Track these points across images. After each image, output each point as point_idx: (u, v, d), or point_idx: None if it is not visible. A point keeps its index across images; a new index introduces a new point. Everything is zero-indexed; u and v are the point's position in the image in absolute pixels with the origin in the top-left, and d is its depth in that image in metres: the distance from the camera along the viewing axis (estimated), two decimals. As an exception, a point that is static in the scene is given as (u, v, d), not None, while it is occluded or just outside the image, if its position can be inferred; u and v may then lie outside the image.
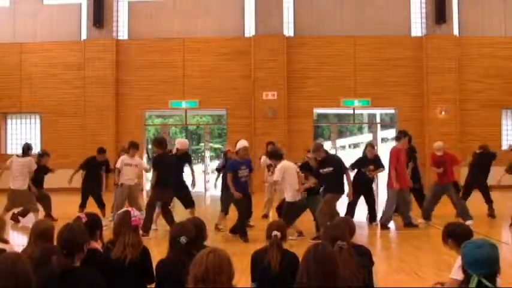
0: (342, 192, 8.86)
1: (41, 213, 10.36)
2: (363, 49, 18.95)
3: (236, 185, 8.67)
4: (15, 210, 10.60)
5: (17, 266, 2.69)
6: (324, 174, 8.66)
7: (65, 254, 3.28)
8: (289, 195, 8.52)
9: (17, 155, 10.72)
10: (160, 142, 9.64)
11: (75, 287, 3.23)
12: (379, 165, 10.36)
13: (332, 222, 5.17)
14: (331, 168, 8.56)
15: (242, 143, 9.00)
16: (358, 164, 10.52)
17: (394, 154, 9.72)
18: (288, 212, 8.44)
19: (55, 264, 3.24)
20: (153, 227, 9.45)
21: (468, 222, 9.39)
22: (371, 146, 10.96)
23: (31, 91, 19.15)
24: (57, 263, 3.25)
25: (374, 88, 18.79)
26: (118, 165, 9.82)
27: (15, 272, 2.67)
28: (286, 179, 8.48)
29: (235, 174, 8.72)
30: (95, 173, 10.96)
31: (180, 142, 10.55)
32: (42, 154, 11.56)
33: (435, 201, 10.43)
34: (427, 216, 10.33)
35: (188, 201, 9.81)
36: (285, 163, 8.66)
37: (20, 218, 10.61)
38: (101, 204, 10.79)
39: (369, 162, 10.32)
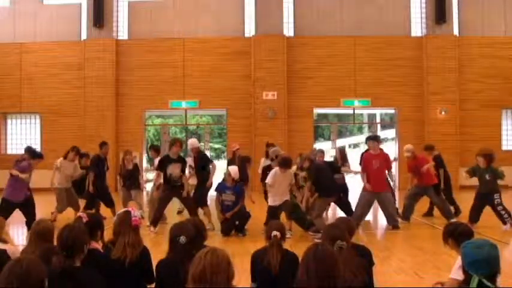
0: (332, 195, 9.12)
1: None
2: (363, 49, 18.94)
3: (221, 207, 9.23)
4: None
5: (30, 270, 2.68)
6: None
7: (64, 255, 3.28)
8: (271, 200, 8.90)
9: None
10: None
11: (76, 287, 3.22)
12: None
13: (331, 222, 5.18)
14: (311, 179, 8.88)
15: (229, 168, 9.44)
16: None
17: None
18: (271, 214, 8.83)
19: (55, 265, 3.24)
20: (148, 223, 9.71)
21: (452, 221, 9.58)
22: (322, 152, 11.09)
23: (31, 91, 19.15)
24: (57, 263, 3.25)
25: (374, 88, 18.79)
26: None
27: (28, 276, 2.66)
28: (275, 185, 8.78)
29: (219, 196, 9.19)
30: (103, 172, 10.87)
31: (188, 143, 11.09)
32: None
33: (413, 201, 10.37)
34: (405, 216, 10.25)
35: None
36: (278, 170, 8.83)
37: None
38: (111, 203, 10.68)
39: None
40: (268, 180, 8.78)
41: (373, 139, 9.83)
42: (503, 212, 9.42)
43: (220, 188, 9.21)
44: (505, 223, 9.41)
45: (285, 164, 8.69)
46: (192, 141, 10.68)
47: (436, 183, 10.34)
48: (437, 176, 10.58)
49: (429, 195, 10.40)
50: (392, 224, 9.51)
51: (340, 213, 10.15)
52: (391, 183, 10.22)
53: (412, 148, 10.51)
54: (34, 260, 2.85)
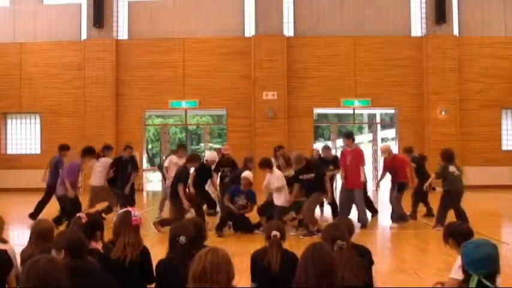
0: (325, 191, 9.35)
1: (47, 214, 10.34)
2: (363, 49, 18.95)
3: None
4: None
5: (47, 270, 2.69)
6: (306, 180, 9.04)
7: (71, 256, 3.28)
8: (284, 200, 9.08)
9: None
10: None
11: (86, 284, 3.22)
12: (337, 166, 10.61)
13: (331, 222, 5.20)
14: (312, 175, 8.97)
15: (244, 174, 9.43)
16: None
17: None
18: (282, 215, 9.04)
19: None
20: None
21: (393, 225, 9.65)
22: (327, 148, 11.31)
23: (31, 91, 19.16)
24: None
25: (374, 88, 18.79)
26: (166, 163, 10.75)
27: (45, 276, 2.67)
28: (283, 186, 9.12)
29: (231, 198, 9.30)
30: (124, 174, 10.72)
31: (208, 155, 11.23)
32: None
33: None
34: (403, 218, 10.16)
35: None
36: (279, 172, 9.24)
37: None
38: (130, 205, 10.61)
39: (328, 163, 10.69)
40: (281, 183, 9.04)
41: (345, 136, 10.12)
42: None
43: (234, 191, 9.31)
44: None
45: (266, 164, 9.17)
46: (213, 155, 10.86)
47: (406, 182, 10.25)
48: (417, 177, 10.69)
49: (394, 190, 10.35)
50: (361, 222, 9.58)
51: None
52: (364, 180, 10.25)
53: (388, 149, 10.56)
54: (51, 259, 2.86)
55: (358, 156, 9.65)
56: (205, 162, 10.49)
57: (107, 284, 3.38)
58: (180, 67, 19.11)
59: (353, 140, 10.06)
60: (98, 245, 4.14)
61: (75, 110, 19.03)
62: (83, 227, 4.01)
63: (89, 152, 9.68)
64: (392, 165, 10.20)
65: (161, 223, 9.32)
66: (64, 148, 10.64)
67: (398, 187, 9.99)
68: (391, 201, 10.21)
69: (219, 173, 11.34)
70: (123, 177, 10.69)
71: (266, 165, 9.18)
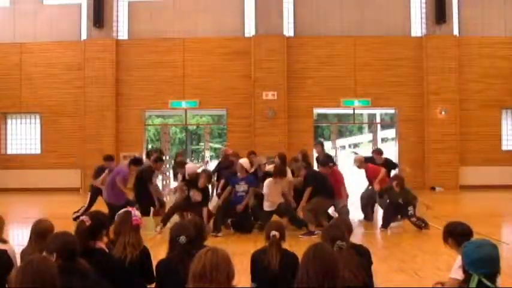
0: (331, 197, 9.45)
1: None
2: (363, 49, 18.93)
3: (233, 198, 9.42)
4: None
5: (42, 269, 2.70)
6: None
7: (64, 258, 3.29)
8: (265, 205, 9.27)
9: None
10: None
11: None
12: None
13: (330, 222, 5.21)
14: (309, 188, 9.17)
15: (240, 161, 9.67)
16: None
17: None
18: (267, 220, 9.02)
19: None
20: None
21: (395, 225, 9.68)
22: (319, 144, 11.68)
23: (31, 91, 19.14)
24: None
25: (374, 88, 18.78)
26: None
27: (40, 275, 2.68)
28: (269, 192, 9.24)
29: (233, 188, 9.41)
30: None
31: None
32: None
33: (368, 204, 10.74)
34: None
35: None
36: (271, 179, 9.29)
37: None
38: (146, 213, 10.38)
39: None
40: (265, 190, 9.19)
41: (321, 164, 10.42)
42: (418, 222, 9.32)
43: (233, 181, 9.45)
44: (421, 229, 9.33)
45: (280, 173, 9.16)
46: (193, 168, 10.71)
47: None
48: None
49: (374, 199, 10.66)
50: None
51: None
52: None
53: (359, 159, 10.92)
54: (45, 258, 2.86)
55: (334, 179, 9.84)
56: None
57: (99, 286, 3.38)
58: (180, 67, 19.10)
59: (330, 167, 10.18)
60: (102, 244, 4.13)
61: (75, 110, 19.02)
62: (88, 229, 3.98)
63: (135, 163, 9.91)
64: (367, 175, 10.62)
65: (163, 222, 9.34)
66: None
67: (378, 194, 10.21)
68: (362, 197, 10.68)
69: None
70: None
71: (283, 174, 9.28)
